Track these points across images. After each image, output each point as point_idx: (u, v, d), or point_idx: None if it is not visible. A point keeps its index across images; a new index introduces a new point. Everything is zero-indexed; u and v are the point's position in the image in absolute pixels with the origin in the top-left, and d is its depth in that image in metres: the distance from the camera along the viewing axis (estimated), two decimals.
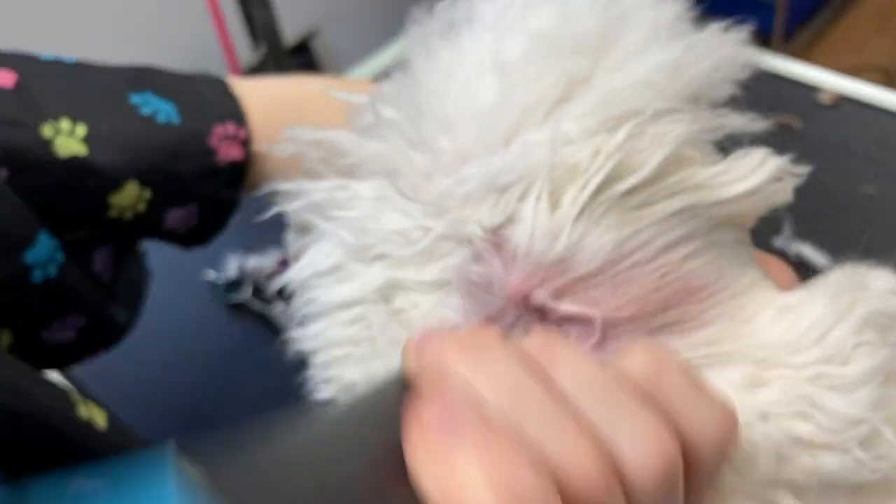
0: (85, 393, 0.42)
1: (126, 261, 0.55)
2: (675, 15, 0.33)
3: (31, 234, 0.44)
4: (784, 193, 0.32)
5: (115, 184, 0.47)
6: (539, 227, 0.30)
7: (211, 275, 0.80)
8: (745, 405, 0.29)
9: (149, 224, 0.50)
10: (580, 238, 0.30)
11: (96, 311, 0.49)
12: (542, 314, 0.31)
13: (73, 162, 0.45)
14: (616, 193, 0.30)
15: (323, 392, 0.35)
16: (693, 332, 0.30)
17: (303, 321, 0.35)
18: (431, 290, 0.33)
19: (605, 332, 0.30)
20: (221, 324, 0.77)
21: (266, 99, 0.54)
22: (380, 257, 0.33)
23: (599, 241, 0.30)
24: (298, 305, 0.35)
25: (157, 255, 0.59)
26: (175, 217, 0.51)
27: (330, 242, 0.33)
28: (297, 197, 0.33)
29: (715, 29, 0.33)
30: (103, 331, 0.50)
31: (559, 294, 0.30)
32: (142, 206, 0.49)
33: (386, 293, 0.33)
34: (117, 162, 0.46)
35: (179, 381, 0.73)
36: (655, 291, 0.30)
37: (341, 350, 0.34)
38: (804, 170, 0.32)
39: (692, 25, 0.33)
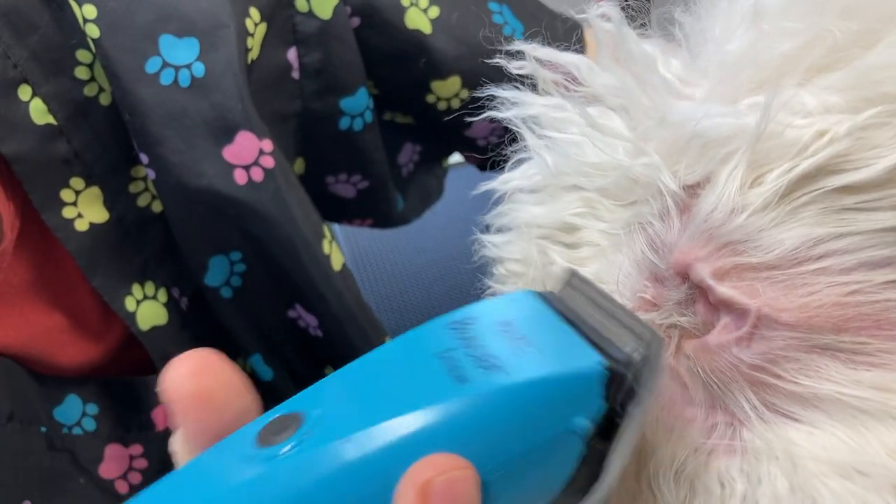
0: (334, 235, 0.47)
1: (428, 167, 0.59)
2: None
3: (355, 84, 0.49)
4: None
5: (442, 73, 0.50)
6: (725, 196, 0.27)
7: None
8: (889, 469, 0.24)
9: (457, 126, 0.53)
10: (767, 223, 0.26)
11: (381, 184, 0.53)
12: (703, 292, 0.28)
13: (415, 35, 0.49)
14: (829, 186, 0.26)
15: None
16: (863, 369, 0.25)
17: (498, 229, 0.35)
18: (613, 235, 0.31)
19: (757, 330, 0.26)
20: None
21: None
22: (575, 188, 0.32)
23: (788, 232, 0.26)
24: (498, 213, 0.35)
25: None
26: (482, 127, 0.54)
27: (534, 162, 0.33)
28: (514, 106, 0.33)
29: None
30: (379, 206, 0.55)
31: (723, 275, 0.27)
32: (456, 104, 0.52)
33: (572, 225, 0.33)
34: (451, 52, 0.49)
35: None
36: (834, 307, 0.25)
37: (517, 267, 0.34)
38: None
39: None
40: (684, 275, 0.28)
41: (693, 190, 0.29)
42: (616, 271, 0.31)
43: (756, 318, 0.26)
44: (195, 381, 0.23)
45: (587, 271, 0.32)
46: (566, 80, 0.34)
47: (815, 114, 0.26)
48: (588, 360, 0.24)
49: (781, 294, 0.26)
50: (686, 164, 0.29)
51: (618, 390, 0.24)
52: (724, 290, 0.27)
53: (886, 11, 0.26)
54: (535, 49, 0.33)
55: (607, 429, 0.24)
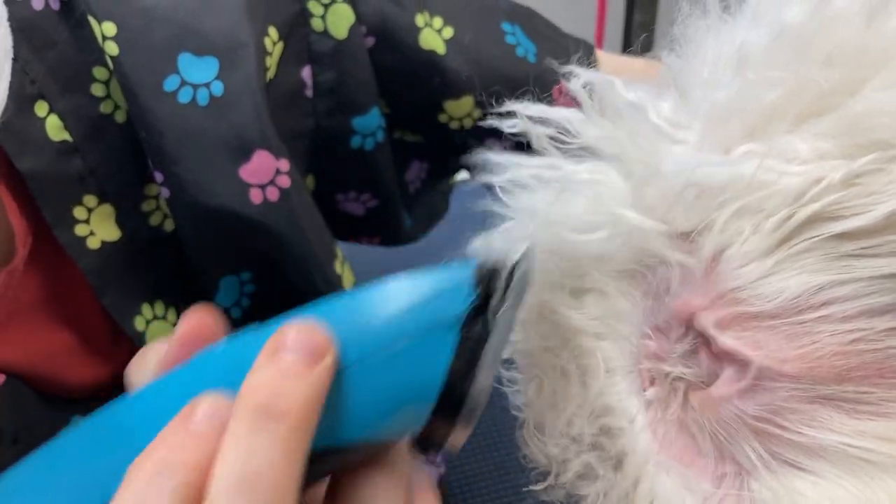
0: (343, 255, 0.47)
1: (436, 184, 0.59)
2: None
3: (367, 104, 0.49)
4: None
5: (455, 93, 0.50)
6: (724, 244, 0.27)
7: None
8: None
9: (468, 145, 0.52)
10: (767, 270, 0.26)
11: (390, 202, 0.53)
12: (706, 341, 0.28)
13: (430, 56, 0.49)
14: (827, 233, 0.26)
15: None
16: (867, 419, 0.25)
17: None
18: (617, 280, 0.31)
19: (759, 382, 0.26)
20: None
21: (621, 70, 0.54)
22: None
23: (788, 281, 0.26)
24: None
25: None
26: (494, 145, 0.53)
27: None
28: (507, 170, 0.33)
29: None
30: (388, 224, 0.55)
31: (725, 325, 0.27)
32: (468, 123, 0.51)
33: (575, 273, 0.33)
34: (465, 72, 0.49)
35: None
36: (836, 357, 0.25)
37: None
38: None
39: None
40: (687, 323, 0.28)
41: (691, 237, 0.29)
42: (620, 319, 0.31)
43: (758, 370, 0.26)
44: (191, 322, 0.28)
45: (590, 316, 0.32)
46: (559, 133, 0.34)
47: (809, 161, 0.26)
48: (461, 265, 0.26)
49: (784, 343, 0.26)
50: (682, 212, 0.28)
51: (488, 287, 0.26)
52: (726, 340, 0.27)
53: (868, 58, 0.26)
54: (526, 108, 0.33)
55: (477, 331, 0.25)
